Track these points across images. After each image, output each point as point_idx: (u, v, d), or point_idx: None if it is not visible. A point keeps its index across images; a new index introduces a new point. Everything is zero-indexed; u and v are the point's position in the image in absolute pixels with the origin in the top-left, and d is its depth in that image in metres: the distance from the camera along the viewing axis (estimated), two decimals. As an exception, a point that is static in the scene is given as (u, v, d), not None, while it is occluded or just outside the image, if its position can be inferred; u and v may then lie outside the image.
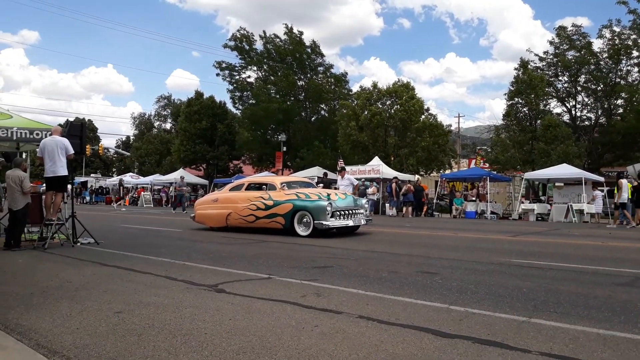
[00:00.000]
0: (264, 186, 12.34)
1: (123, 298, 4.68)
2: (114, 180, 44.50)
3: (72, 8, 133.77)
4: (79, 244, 9.27)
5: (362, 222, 11.78)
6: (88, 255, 7.80)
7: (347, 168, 22.56)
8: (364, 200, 12.95)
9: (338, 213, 11.04)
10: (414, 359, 3.07)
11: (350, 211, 11.44)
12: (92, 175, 49.07)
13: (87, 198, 41.44)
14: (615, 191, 17.45)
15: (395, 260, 7.49)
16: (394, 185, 23.54)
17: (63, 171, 8.97)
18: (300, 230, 10.95)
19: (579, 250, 9.04)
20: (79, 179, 41.98)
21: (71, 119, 50.90)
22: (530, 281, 5.71)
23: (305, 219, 10.92)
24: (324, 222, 10.60)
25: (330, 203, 10.83)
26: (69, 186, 10.39)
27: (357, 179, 19.59)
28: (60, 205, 9.34)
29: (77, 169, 44.65)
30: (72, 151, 9.00)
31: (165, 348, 3.23)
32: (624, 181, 17.11)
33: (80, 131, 9.79)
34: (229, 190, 13.21)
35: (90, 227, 9.91)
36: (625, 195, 16.81)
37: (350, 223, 11.27)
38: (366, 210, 12.42)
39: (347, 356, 3.10)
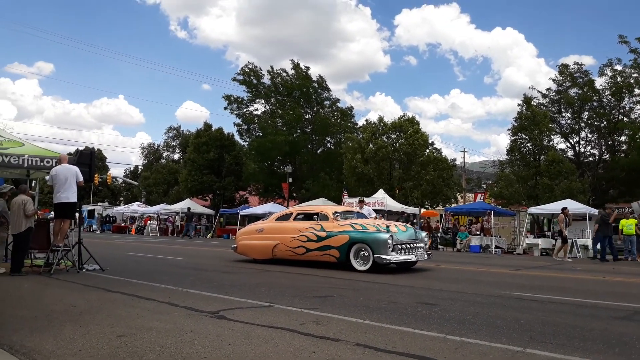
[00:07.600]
0: (314, 216, 11.57)
1: (126, 322, 4.78)
2: (121, 208, 44.72)
3: (87, 41, 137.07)
4: (84, 270, 9.38)
5: (424, 257, 10.85)
6: (93, 281, 7.90)
7: (351, 200, 22.64)
8: (423, 234, 11.75)
9: (399, 246, 10.15)
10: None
11: (412, 244, 10.51)
12: (99, 203, 49.31)
13: (94, 227, 41.46)
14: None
15: (396, 291, 7.54)
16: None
17: (74, 197, 9.15)
18: (358, 264, 10.16)
19: (579, 285, 9.05)
20: (86, 207, 42.18)
21: (81, 148, 51.55)
22: (529, 313, 5.75)
23: (363, 253, 10.13)
24: (385, 257, 9.80)
25: (391, 235, 10.00)
26: (77, 214, 10.55)
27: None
28: (67, 232, 9.49)
29: (85, 198, 45.04)
30: (81, 178, 9.20)
31: (165, 369, 3.32)
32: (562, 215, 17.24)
33: (89, 160, 10.02)
34: (275, 220, 12.54)
35: (96, 255, 10.03)
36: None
37: (412, 258, 10.38)
38: (425, 244, 11.37)
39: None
